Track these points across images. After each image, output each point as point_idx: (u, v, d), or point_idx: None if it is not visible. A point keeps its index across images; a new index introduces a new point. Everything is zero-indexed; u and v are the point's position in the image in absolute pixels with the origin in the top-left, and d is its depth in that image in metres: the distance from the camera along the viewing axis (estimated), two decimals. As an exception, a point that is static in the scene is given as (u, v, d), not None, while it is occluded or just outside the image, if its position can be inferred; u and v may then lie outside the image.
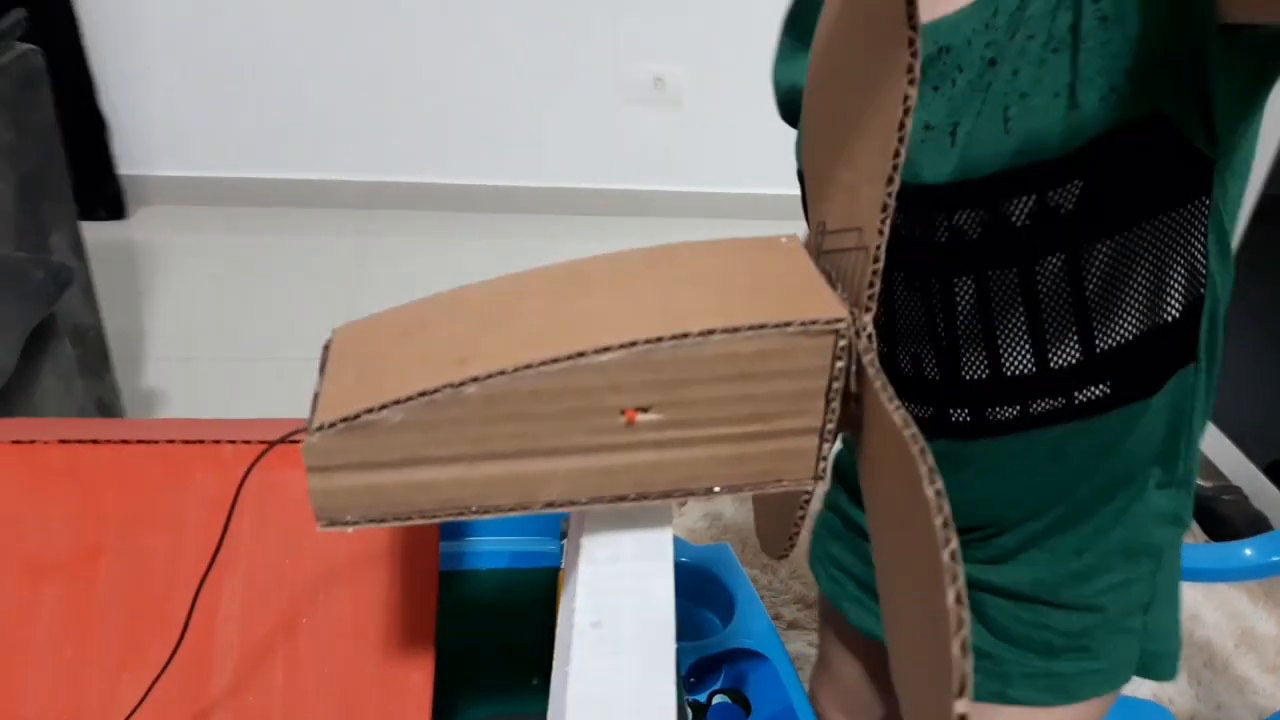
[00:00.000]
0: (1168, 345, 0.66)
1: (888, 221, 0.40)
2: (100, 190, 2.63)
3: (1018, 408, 0.69)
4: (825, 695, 1.07)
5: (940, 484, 0.32)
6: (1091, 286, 0.64)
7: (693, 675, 0.87)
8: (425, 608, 0.64)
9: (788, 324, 0.39)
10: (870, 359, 0.40)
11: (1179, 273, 0.63)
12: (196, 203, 2.73)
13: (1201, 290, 0.64)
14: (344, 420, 0.38)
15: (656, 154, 2.85)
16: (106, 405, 1.71)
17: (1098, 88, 0.57)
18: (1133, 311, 0.64)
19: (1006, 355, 0.67)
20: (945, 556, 0.31)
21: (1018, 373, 0.67)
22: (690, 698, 0.85)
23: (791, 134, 0.77)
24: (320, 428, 0.39)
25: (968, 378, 0.69)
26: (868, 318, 0.42)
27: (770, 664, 0.88)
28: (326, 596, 0.64)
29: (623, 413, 0.40)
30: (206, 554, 0.63)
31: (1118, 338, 0.65)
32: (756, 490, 0.43)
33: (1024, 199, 0.62)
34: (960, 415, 0.71)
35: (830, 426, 0.42)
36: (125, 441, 0.68)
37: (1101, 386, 0.67)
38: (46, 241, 1.53)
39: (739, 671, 0.89)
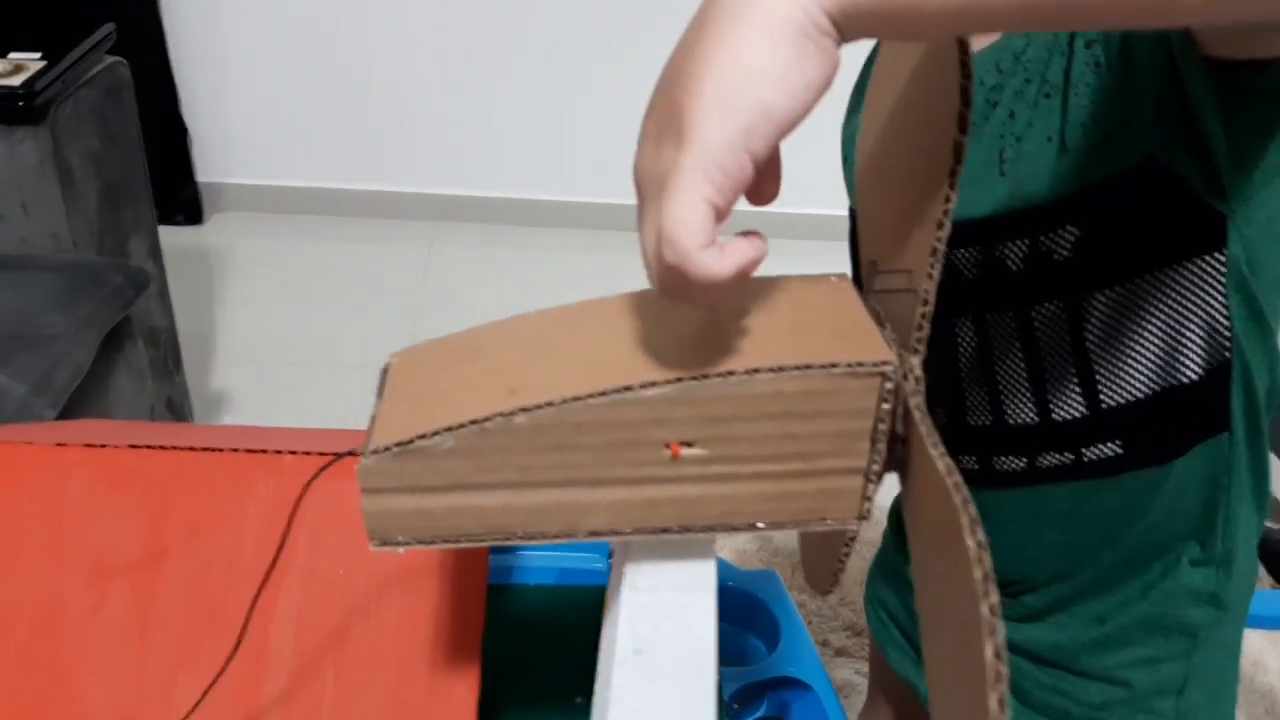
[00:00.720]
0: (1186, 409, 0.63)
1: (938, 266, 0.41)
2: (179, 196, 2.71)
3: (1024, 460, 0.67)
4: None
5: (982, 536, 0.32)
6: (1093, 337, 0.62)
7: (735, 702, 0.87)
8: (473, 623, 0.65)
9: (834, 365, 0.39)
10: (917, 402, 0.40)
11: (1195, 333, 0.61)
12: (271, 210, 2.80)
13: (1226, 354, 0.61)
14: (398, 445, 0.40)
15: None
16: (176, 405, 1.76)
17: (1089, 133, 0.56)
18: (1141, 368, 0.62)
19: (1008, 403, 0.66)
20: (985, 610, 0.31)
21: (1021, 422, 0.66)
22: (732, 724, 0.85)
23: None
24: (375, 451, 0.40)
25: (972, 424, 0.68)
26: (915, 360, 0.42)
27: (814, 694, 0.88)
28: (378, 607, 0.65)
29: (667, 446, 0.40)
30: (265, 561, 0.64)
31: (1126, 395, 0.63)
32: (800, 528, 0.44)
33: (1018, 243, 0.61)
34: (969, 463, 0.70)
35: (875, 468, 0.42)
36: (192, 449, 0.70)
37: (1112, 445, 0.64)
38: (126, 246, 1.59)
39: (782, 700, 0.88)
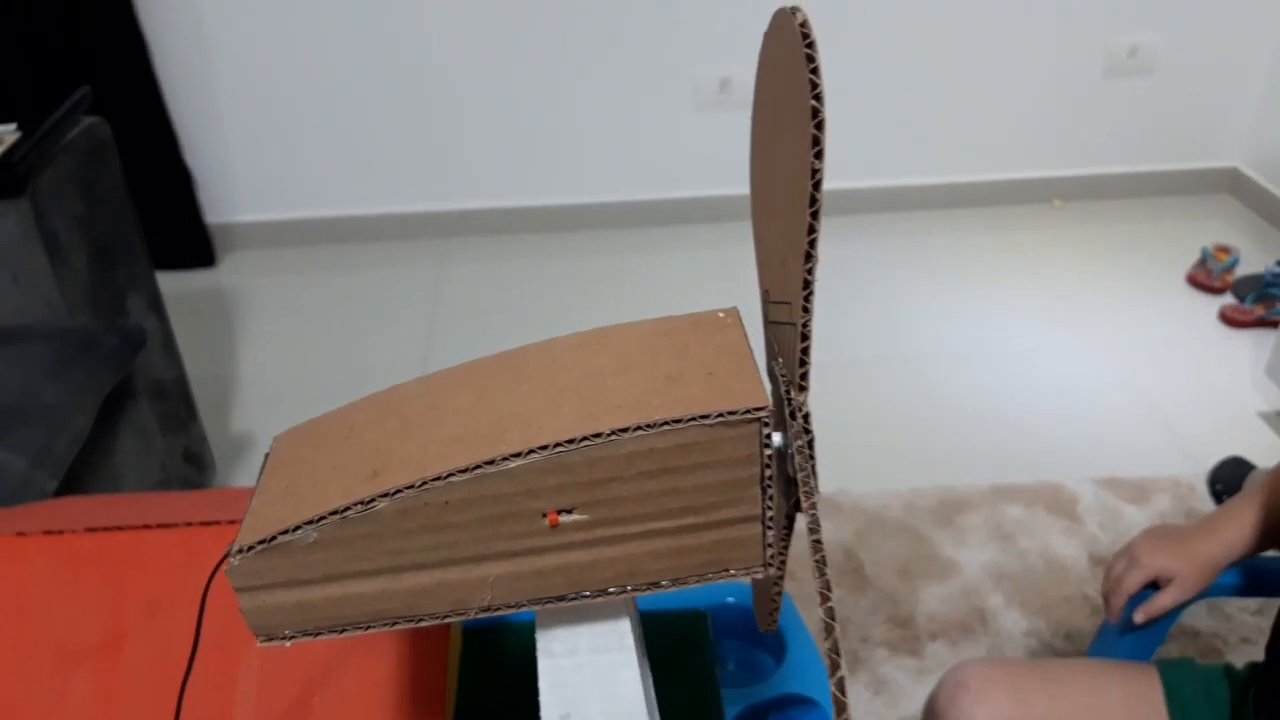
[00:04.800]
0: None
1: (812, 298, 0.38)
2: (190, 241, 2.74)
3: None
4: None
5: (831, 604, 0.30)
6: None
7: (738, 724, 0.85)
8: (436, 683, 0.64)
9: (705, 416, 0.37)
10: (800, 445, 0.38)
11: None
12: (281, 245, 2.81)
13: None
14: (261, 542, 0.38)
15: (728, 157, 2.82)
16: (194, 455, 1.77)
17: None
18: None
19: None
20: (833, 687, 0.29)
21: None
22: (737, 747, 0.82)
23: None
24: (240, 551, 0.39)
25: None
26: (803, 397, 0.40)
27: (823, 710, 0.85)
28: (339, 674, 0.64)
29: (544, 515, 0.38)
30: (226, 637, 0.64)
31: None
32: (704, 582, 0.41)
33: None
34: None
35: (771, 513, 0.40)
36: (147, 526, 0.69)
37: None
38: (124, 304, 1.59)
39: (789, 718, 0.86)
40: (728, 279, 2.59)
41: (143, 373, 1.55)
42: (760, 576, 0.41)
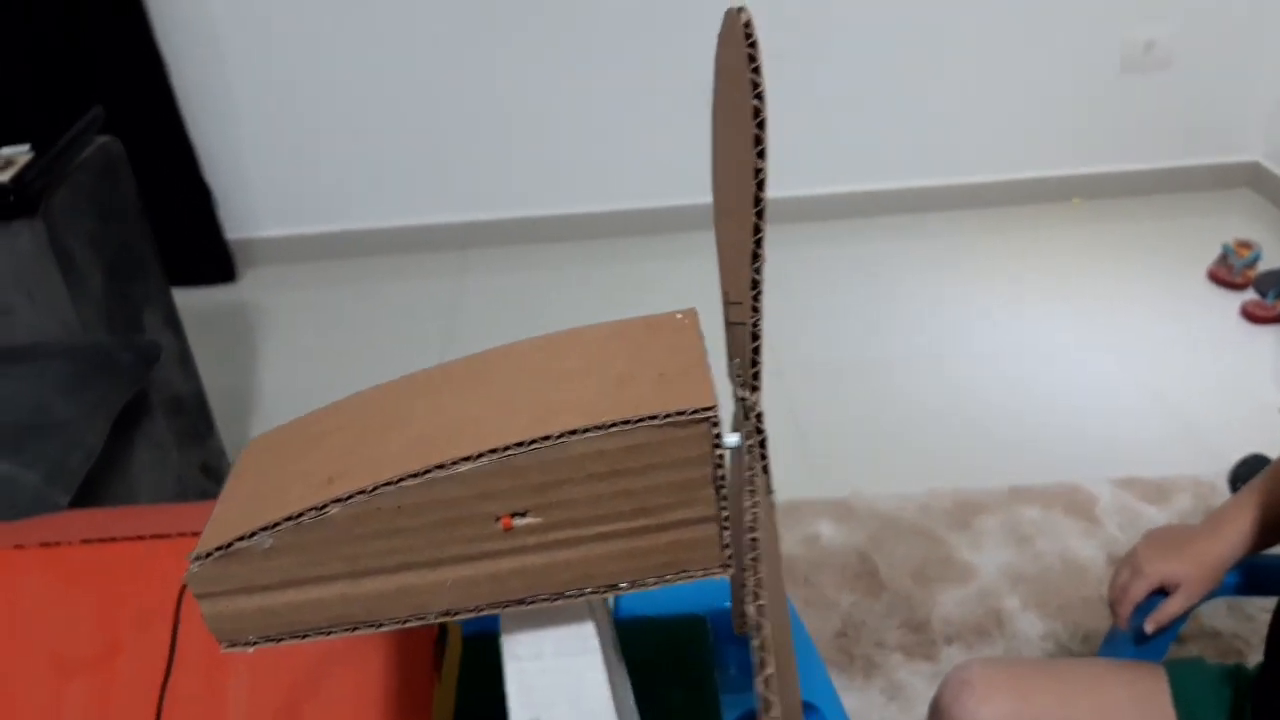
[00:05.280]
0: None
1: (760, 298, 0.38)
2: (211, 256, 2.77)
3: None
4: None
5: (763, 601, 0.30)
6: None
7: (734, 730, 0.84)
8: (421, 685, 0.64)
9: (654, 417, 0.37)
10: (750, 444, 0.38)
11: None
12: (301, 260, 2.84)
13: None
14: (219, 549, 0.39)
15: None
16: (212, 468, 1.79)
17: None
18: None
19: None
20: (760, 684, 0.29)
21: None
22: (734, 753, 0.82)
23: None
24: (199, 557, 0.39)
25: None
26: (755, 396, 0.40)
27: (822, 715, 0.85)
28: (327, 679, 0.64)
29: (497, 519, 0.39)
30: (215, 644, 0.64)
31: None
32: (663, 583, 0.41)
33: None
34: None
35: (726, 513, 0.40)
36: (141, 538, 0.70)
37: None
38: (139, 320, 1.61)
39: (785, 721, 0.85)
40: (743, 284, 2.58)
41: (158, 388, 1.57)
42: (719, 577, 0.41)
